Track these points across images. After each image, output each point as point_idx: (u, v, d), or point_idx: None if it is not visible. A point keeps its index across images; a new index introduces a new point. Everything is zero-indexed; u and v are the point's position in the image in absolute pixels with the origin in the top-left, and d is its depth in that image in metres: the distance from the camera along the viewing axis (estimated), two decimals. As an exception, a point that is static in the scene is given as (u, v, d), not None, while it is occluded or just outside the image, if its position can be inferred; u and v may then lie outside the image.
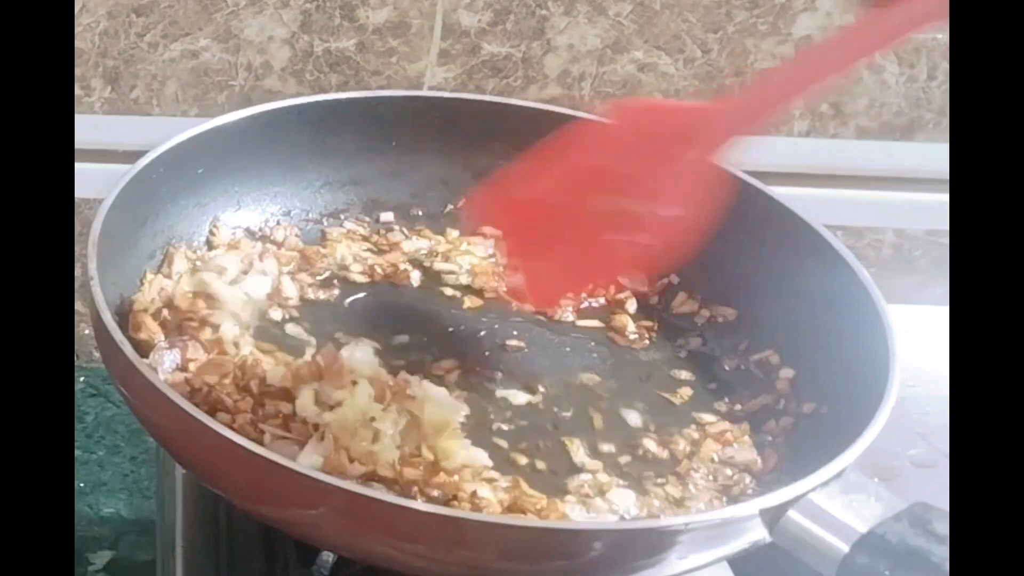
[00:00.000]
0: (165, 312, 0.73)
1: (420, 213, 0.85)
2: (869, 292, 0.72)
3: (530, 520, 0.63)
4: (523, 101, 0.86)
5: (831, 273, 0.74)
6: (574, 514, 0.66)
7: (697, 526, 0.59)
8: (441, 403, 0.69)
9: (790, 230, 0.78)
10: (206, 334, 0.72)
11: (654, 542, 0.59)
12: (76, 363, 1.02)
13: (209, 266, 0.77)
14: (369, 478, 0.64)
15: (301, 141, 0.82)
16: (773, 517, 0.59)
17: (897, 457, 0.80)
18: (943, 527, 0.56)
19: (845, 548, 0.57)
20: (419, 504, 0.59)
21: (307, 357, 0.71)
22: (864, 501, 0.58)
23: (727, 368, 0.77)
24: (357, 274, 0.80)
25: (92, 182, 0.80)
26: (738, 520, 0.59)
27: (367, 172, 0.84)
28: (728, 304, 0.80)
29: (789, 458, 0.71)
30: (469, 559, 0.59)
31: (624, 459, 0.70)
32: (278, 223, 0.82)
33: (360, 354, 0.71)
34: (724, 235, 0.69)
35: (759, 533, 0.60)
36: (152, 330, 0.71)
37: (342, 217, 0.84)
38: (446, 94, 0.91)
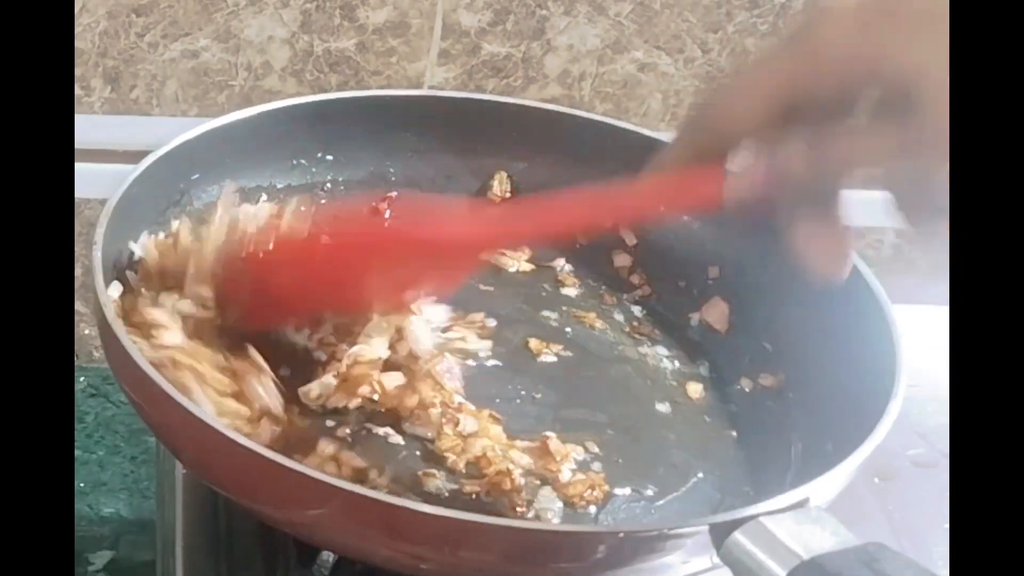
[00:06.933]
0: None
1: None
2: (883, 309, 0.71)
3: (534, 523, 0.63)
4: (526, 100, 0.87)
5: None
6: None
7: (637, 537, 0.58)
8: None
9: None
10: None
11: (627, 547, 0.59)
12: (76, 363, 1.02)
13: None
14: None
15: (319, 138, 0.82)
16: (720, 535, 0.58)
17: (897, 457, 0.79)
18: (891, 568, 0.54)
19: (782, 574, 0.55)
20: (422, 505, 0.59)
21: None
22: (818, 533, 0.56)
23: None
24: None
25: (92, 182, 0.80)
26: (683, 535, 0.58)
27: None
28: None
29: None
30: (472, 561, 0.58)
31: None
32: None
33: None
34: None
35: (704, 551, 0.59)
36: None
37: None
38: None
